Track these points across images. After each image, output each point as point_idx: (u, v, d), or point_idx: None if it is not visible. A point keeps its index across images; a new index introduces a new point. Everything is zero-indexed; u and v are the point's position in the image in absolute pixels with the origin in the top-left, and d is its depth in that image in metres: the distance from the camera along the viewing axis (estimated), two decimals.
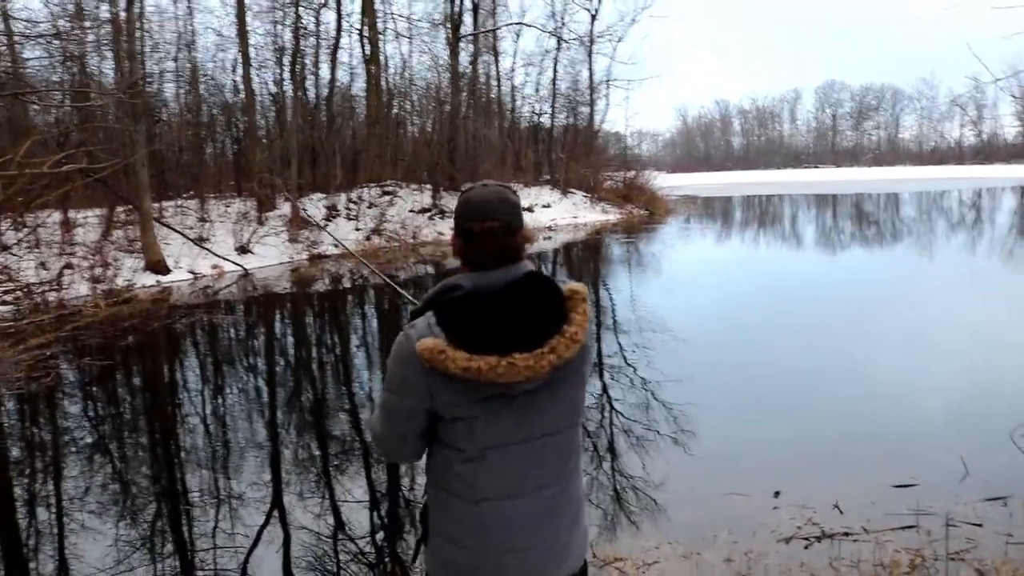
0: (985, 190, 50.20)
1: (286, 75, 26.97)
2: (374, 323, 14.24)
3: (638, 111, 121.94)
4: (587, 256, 23.42)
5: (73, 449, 7.36)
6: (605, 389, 8.32)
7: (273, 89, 28.31)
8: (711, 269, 19.33)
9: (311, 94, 29.32)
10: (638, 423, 7.15)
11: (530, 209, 32.83)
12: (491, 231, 2.06)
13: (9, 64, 17.60)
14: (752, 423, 7.02)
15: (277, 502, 5.71)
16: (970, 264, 18.24)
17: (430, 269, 21.12)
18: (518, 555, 2.11)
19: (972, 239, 23.63)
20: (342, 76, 30.81)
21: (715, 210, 42.66)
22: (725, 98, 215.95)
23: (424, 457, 2.22)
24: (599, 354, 9.90)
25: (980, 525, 4.67)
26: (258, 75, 27.33)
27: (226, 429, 7.77)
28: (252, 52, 25.32)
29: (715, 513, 5.09)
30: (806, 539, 4.63)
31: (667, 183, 47.59)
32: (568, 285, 2.09)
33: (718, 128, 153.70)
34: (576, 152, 38.47)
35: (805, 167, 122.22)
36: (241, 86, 26.34)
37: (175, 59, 27.03)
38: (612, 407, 7.70)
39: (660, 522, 5.05)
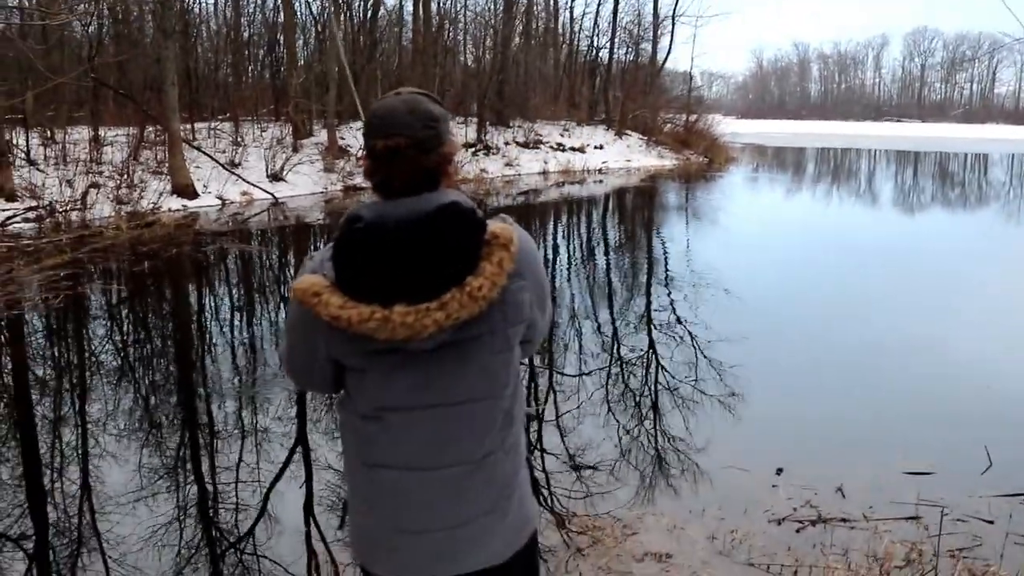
0: None
1: None
2: None
3: (707, 50, 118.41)
4: (640, 203, 22.38)
5: (65, 376, 7.33)
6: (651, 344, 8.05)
7: (315, 9, 27.41)
8: (775, 225, 18.34)
9: (356, 17, 28.34)
10: (659, 382, 6.90)
11: (581, 149, 31.62)
12: (396, 149, 1.71)
13: None
14: (784, 394, 6.64)
15: (302, 438, 5.59)
16: None
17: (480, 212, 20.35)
18: (413, 536, 1.83)
19: None
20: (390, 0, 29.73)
21: (785, 161, 41.00)
22: (805, 40, 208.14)
23: None
24: (647, 307, 9.55)
25: (991, 522, 4.31)
26: None
27: (246, 361, 7.68)
28: None
29: (709, 486, 4.83)
30: (799, 522, 4.34)
31: (736, 129, 45.85)
32: (492, 226, 1.71)
33: (795, 73, 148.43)
34: (635, 91, 36.70)
35: (887, 120, 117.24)
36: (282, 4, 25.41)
37: None
38: (623, 361, 7.34)
39: (649, 491, 4.81)
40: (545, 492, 4.71)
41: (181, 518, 4.47)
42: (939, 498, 4.54)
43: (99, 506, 4.60)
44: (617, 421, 5.93)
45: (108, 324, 9.22)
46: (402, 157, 1.72)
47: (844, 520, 4.34)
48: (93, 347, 8.24)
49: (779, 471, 4.97)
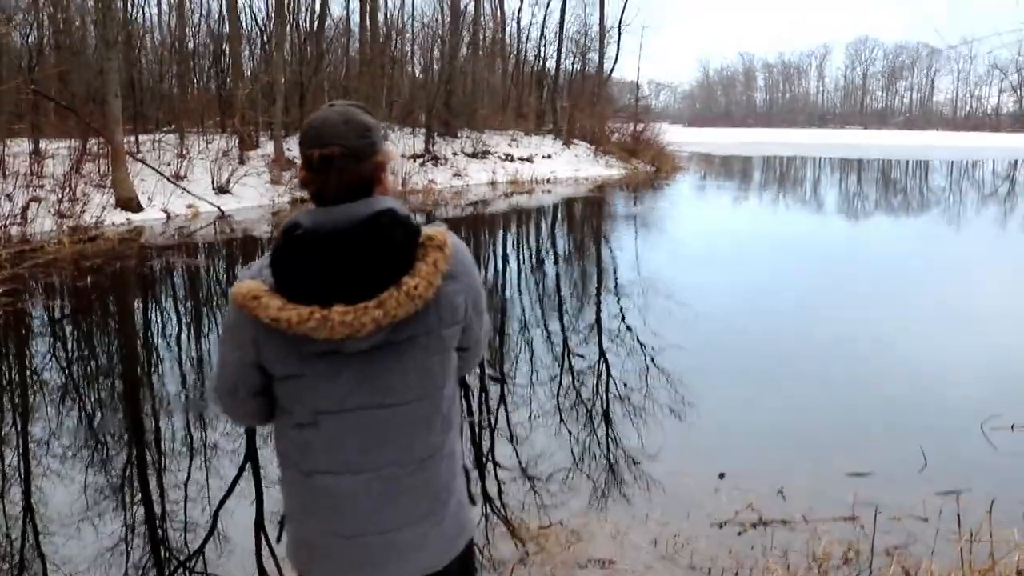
0: (1022, 161, 48.25)
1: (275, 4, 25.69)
2: None
3: (654, 59, 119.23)
4: (589, 213, 22.54)
5: (5, 394, 7.25)
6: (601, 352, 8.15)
7: (261, 20, 27.21)
8: (722, 234, 18.40)
9: (302, 28, 28.19)
10: (610, 391, 6.97)
11: (530, 159, 31.75)
12: (331, 159, 1.76)
13: None
14: (729, 401, 6.66)
15: (251, 454, 5.51)
16: (995, 241, 17.21)
17: (419, 218, 20.37)
18: (348, 541, 1.85)
19: (1003, 214, 22.62)
20: (337, 9, 29.59)
21: (732, 169, 41.61)
22: (750, 51, 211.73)
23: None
24: (596, 316, 9.57)
25: (926, 519, 4.47)
26: (245, 3, 26.18)
27: (194, 377, 7.58)
28: None
29: (654, 492, 4.91)
30: (741, 524, 4.43)
31: (683, 138, 46.32)
32: (427, 230, 1.78)
33: (740, 82, 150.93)
34: (582, 101, 36.96)
35: (831, 128, 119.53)
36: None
37: None
38: (573, 370, 7.30)
39: (596, 498, 4.86)
40: (496, 502, 4.75)
41: (129, 538, 4.41)
42: (877, 498, 4.63)
43: (43, 527, 4.52)
44: (567, 430, 5.97)
45: (50, 340, 9.04)
46: (337, 166, 1.77)
47: (784, 522, 4.43)
48: (34, 364, 8.09)
49: (721, 475, 5.05)
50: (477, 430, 6.06)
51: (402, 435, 1.85)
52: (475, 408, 6.45)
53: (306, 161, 1.80)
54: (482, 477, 5.13)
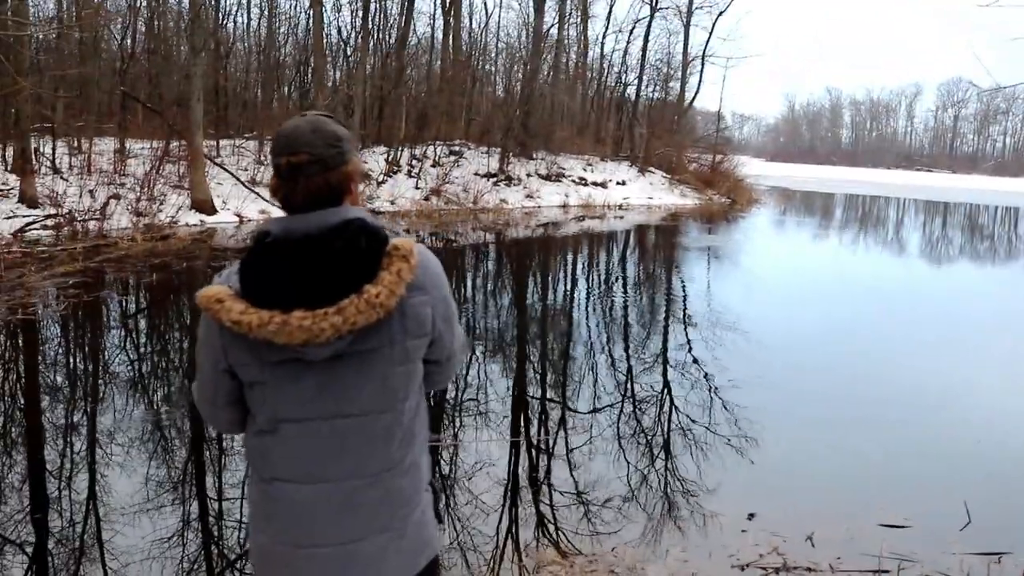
0: None
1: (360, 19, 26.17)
2: None
3: (738, 92, 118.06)
4: (661, 241, 22.25)
5: (69, 382, 7.35)
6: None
7: (344, 33, 27.68)
8: (797, 270, 18.09)
9: (384, 42, 28.60)
10: (662, 423, 6.84)
11: (603, 184, 31.61)
12: (299, 166, 1.77)
13: None
14: (777, 439, 6.41)
15: None
16: None
17: (489, 237, 20.46)
18: (306, 552, 1.83)
19: None
20: (421, 27, 29.98)
21: (811, 205, 40.78)
22: (837, 86, 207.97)
23: None
24: (662, 346, 9.50)
25: None
26: (330, 16, 26.71)
27: None
28: None
29: (678, 528, 4.77)
30: (763, 568, 4.25)
31: (764, 171, 45.58)
32: (394, 240, 1.78)
33: (827, 118, 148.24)
34: (660, 129, 36.73)
35: (917, 169, 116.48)
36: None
37: None
38: (628, 399, 7.07)
39: (618, 529, 4.71)
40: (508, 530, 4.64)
41: (184, 532, 4.45)
42: (910, 552, 4.45)
43: (104, 515, 4.60)
44: (607, 458, 5.83)
45: (112, 332, 9.30)
46: (306, 173, 1.77)
47: (809, 569, 4.25)
48: (96, 354, 8.27)
49: (751, 516, 4.89)
50: (532, 452, 6.01)
51: (362, 446, 1.83)
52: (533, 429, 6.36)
53: (275, 169, 1.81)
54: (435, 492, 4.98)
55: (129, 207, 16.58)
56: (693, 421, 6.71)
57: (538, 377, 8.25)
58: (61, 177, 18.42)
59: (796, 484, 5.59)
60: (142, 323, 10.03)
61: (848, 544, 4.54)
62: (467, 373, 8.09)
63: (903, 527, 4.81)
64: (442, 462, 5.69)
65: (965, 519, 4.94)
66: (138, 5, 24.62)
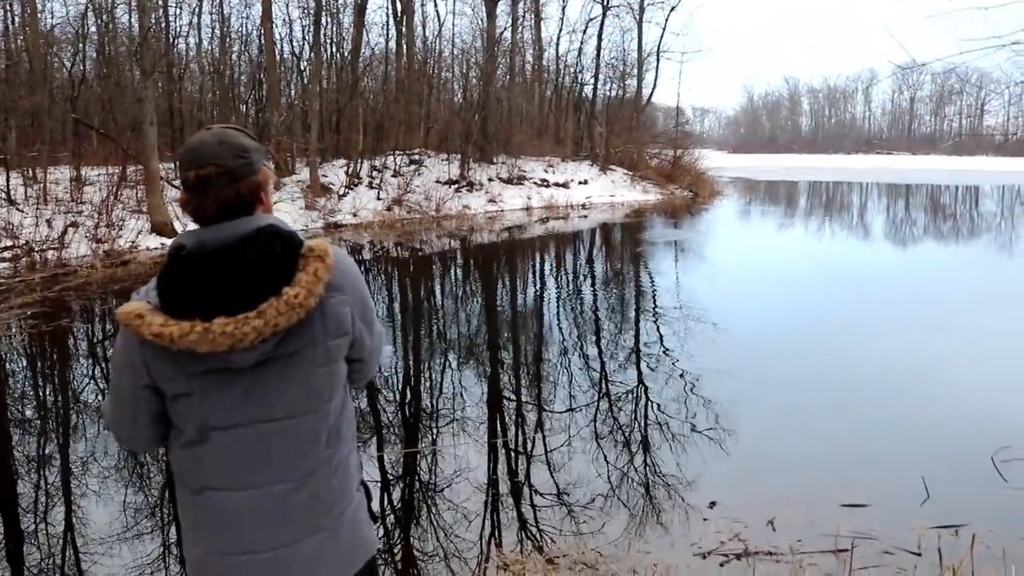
0: None
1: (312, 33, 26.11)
2: (393, 297, 13.55)
3: (697, 86, 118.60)
4: (626, 238, 22.30)
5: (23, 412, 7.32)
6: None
7: (297, 48, 27.60)
8: (764, 260, 18.17)
9: (337, 55, 28.54)
10: (638, 416, 6.88)
11: (565, 185, 31.71)
12: (208, 178, 1.78)
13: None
14: (738, 427, 6.42)
15: None
16: None
17: (454, 243, 20.47)
18: (240, 559, 1.83)
19: None
20: (374, 38, 29.92)
21: (773, 194, 41.25)
22: (795, 75, 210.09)
23: None
24: (635, 341, 9.52)
25: (919, 554, 4.26)
26: (281, 32, 26.60)
27: None
28: (276, 8, 24.54)
29: (639, 519, 4.82)
30: (725, 555, 4.28)
31: (726, 163, 45.87)
32: (309, 242, 1.82)
33: (785, 107, 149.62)
34: (619, 127, 36.95)
35: (877, 153, 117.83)
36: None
37: (196, 13, 26.43)
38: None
39: (574, 523, 4.77)
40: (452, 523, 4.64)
41: (166, 557, 4.40)
42: (870, 531, 4.49)
43: (83, 545, 4.55)
44: (585, 461, 5.82)
45: (67, 360, 9.18)
46: (215, 185, 1.79)
47: (770, 553, 4.28)
48: (62, 383, 8.22)
49: (712, 504, 4.93)
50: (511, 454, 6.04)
51: (288, 449, 1.84)
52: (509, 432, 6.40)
53: (184, 183, 1.82)
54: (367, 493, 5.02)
55: (88, 234, 16.39)
56: (667, 415, 6.74)
57: (513, 380, 8.25)
58: (17, 208, 18.15)
59: (762, 470, 5.64)
60: (106, 350, 9.91)
61: (809, 526, 4.59)
62: (442, 380, 8.12)
63: (863, 506, 4.86)
64: (421, 471, 5.68)
65: (924, 495, 5.01)
66: (86, 31, 24.42)
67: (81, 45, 24.12)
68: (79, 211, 18.08)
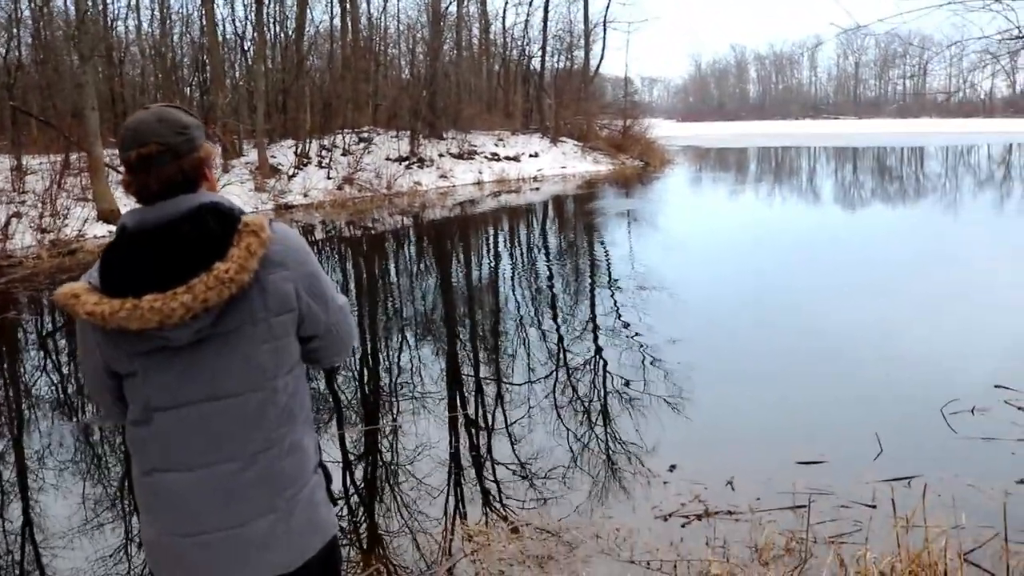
0: (1017, 145, 47.85)
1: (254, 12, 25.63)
2: (348, 276, 13.33)
3: (644, 55, 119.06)
4: (578, 209, 22.35)
5: None
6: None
7: (240, 28, 27.14)
8: (719, 227, 18.29)
9: (281, 34, 28.11)
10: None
11: (516, 158, 31.68)
12: (149, 157, 1.76)
13: None
14: (694, 392, 6.52)
15: None
16: (981, 228, 16.95)
17: (407, 220, 20.38)
18: (193, 541, 1.82)
19: (999, 198, 22.54)
20: (318, 16, 29.50)
21: (722, 161, 41.56)
22: (742, 43, 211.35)
23: None
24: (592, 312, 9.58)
25: (874, 507, 4.39)
26: (223, 12, 26.12)
27: None
28: None
29: (601, 486, 4.88)
30: (686, 517, 4.36)
31: (676, 132, 46.10)
32: (245, 218, 1.79)
33: (733, 75, 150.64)
34: (568, 98, 36.94)
35: (824, 118, 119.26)
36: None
37: None
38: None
39: (536, 492, 4.82)
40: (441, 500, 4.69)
41: (128, 548, 4.34)
42: (827, 486, 4.59)
43: (42, 540, 4.50)
44: (546, 432, 5.85)
45: (27, 352, 9.06)
46: (157, 163, 1.77)
47: (730, 512, 4.37)
48: (9, 376, 8.11)
49: (672, 467, 5.00)
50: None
51: (234, 429, 1.82)
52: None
53: (126, 163, 1.81)
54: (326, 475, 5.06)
55: (32, 224, 16.04)
56: (625, 384, 6.80)
57: (472, 354, 8.27)
58: None
59: (719, 434, 5.72)
60: (56, 342, 9.75)
61: (767, 485, 4.67)
62: (400, 357, 8.13)
63: (819, 463, 4.97)
64: (382, 448, 5.68)
65: (878, 450, 5.13)
66: (20, 15, 23.76)
67: (15, 30, 23.49)
68: (22, 201, 17.66)
